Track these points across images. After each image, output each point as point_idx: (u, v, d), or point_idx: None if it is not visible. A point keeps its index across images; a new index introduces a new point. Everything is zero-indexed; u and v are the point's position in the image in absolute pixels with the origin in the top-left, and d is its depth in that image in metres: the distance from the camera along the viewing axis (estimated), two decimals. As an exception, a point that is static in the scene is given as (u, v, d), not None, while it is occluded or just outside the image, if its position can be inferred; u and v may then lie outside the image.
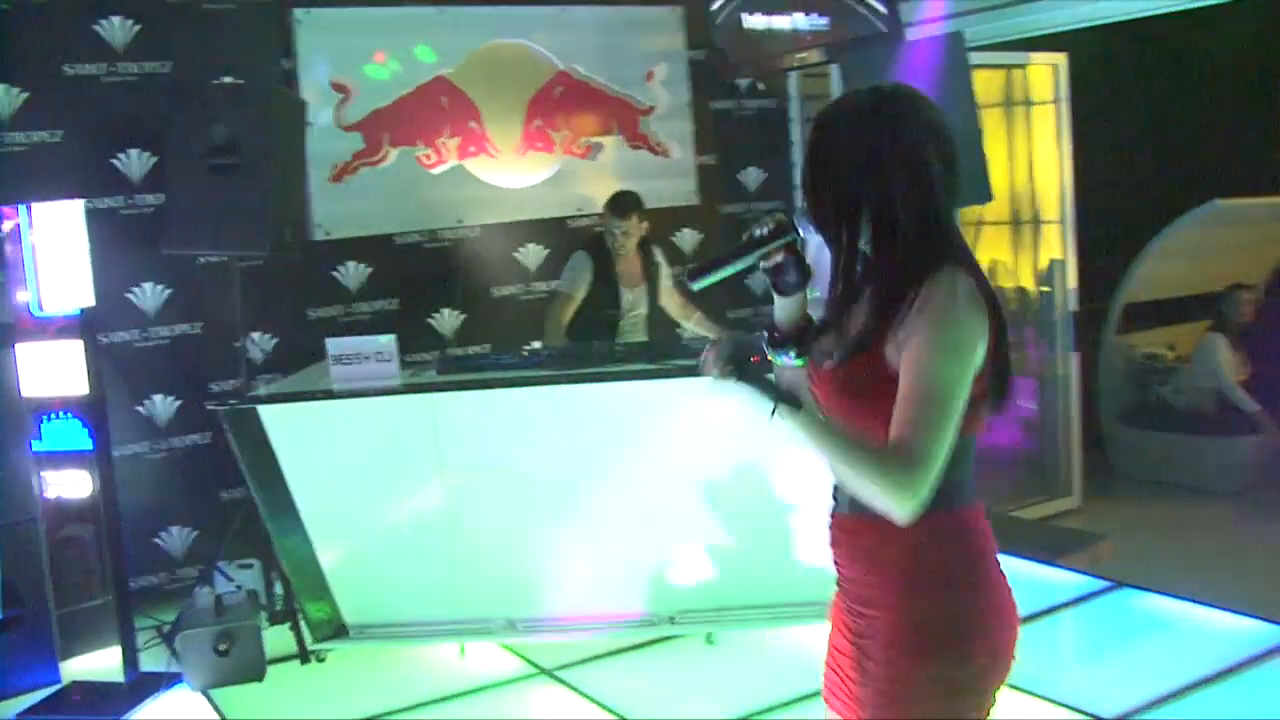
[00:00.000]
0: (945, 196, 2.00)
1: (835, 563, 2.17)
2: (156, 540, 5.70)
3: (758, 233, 2.05)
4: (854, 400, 2.01)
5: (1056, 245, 6.82)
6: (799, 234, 2.05)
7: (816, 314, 2.16)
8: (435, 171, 6.27)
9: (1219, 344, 6.96)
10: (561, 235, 6.63)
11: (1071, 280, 6.59)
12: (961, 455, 1.99)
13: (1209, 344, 7.00)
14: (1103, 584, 5.29)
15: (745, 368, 1.99)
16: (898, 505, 1.88)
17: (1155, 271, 7.17)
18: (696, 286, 2.08)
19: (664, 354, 4.85)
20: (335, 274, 6.09)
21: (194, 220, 4.91)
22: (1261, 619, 4.78)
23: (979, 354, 1.94)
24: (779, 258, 2.05)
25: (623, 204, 5.47)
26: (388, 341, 4.68)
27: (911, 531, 1.96)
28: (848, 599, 2.14)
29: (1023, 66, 6.77)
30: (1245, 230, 7.19)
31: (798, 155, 7.37)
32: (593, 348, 5.00)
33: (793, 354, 2.12)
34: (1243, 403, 6.81)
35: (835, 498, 2.17)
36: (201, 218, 4.87)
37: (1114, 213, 6.86)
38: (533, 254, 6.62)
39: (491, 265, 6.49)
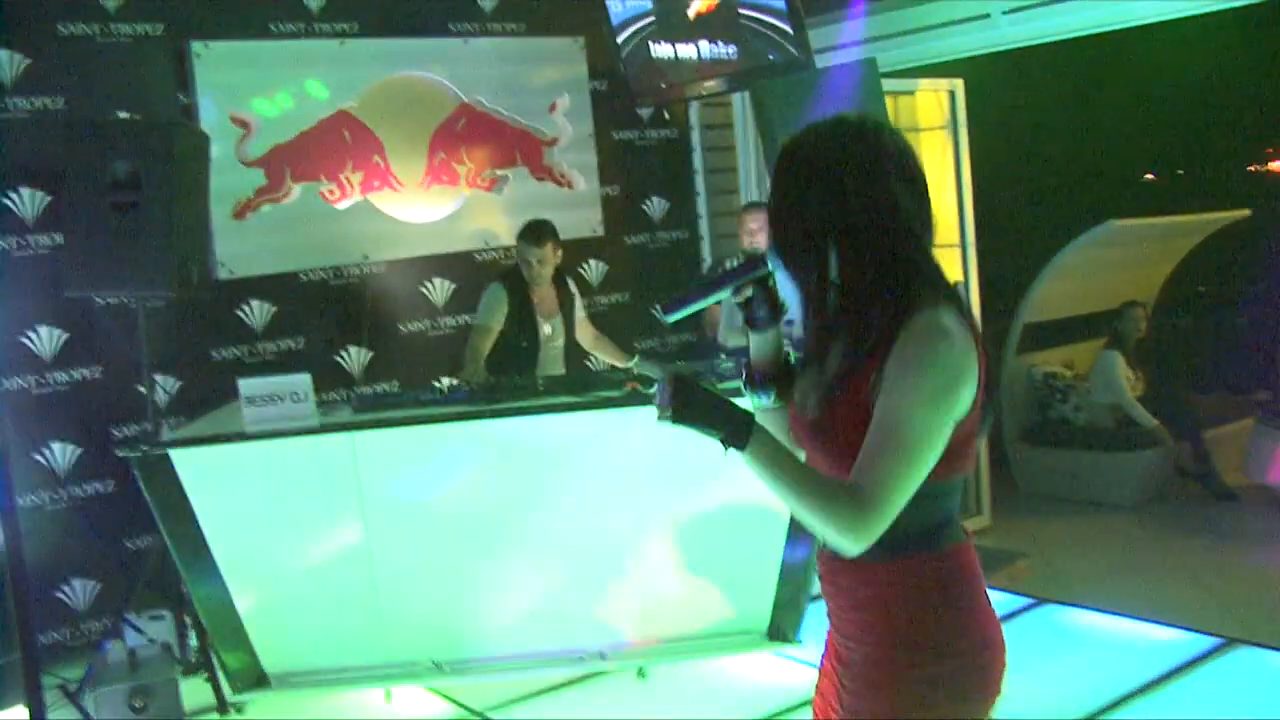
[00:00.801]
0: (916, 227, 1.95)
1: (824, 596, 2.13)
2: (58, 594, 5.46)
3: (729, 265, 2.06)
4: (843, 448, 1.91)
5: (952, 269, 6.92)
6: (770, 268, 2.03)
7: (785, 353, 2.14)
8: (339, 207, 6.16)
9: (1116, 361, 7.13)
10: (468, 269, 6.56)
11: (974, 302, 6.69)
12: (951, 494, 1.98)
13: (1106, 361, 7.17)
14: (1024, 601, 5.36)
15: (688, 407, 1.91)
16: (844, 543, 1.86)
17: (1053, 292, 7.33)
18: (670, 319, 2.09)
19: (586, 386, 4.81)
20: (239, 313, 5.94)
21: (96, 260, 4.72)
22: (1181, 628, 4.90)
23: (963, 398, 1.88)
24: (749, 292, 2.04)
25: (538, 232, 5.43)
26: (302, 380, 4.60)
27: (897, 574, 1.95)
28: (834, 631, 2.11)
29: (912, 93, 6.88)
30: (1138, 249, 7.40)
31: (701, 184, 7.42)
32: (514, 381, 4.95)
33: (771, 395, 2.11)
34: (1141, 418, 6.98)
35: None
36: (104, 258, 4.69)
37: (1011, 235, 7.00)
38: (440, 289, 6.53)
39: (398, 301, 6.39)
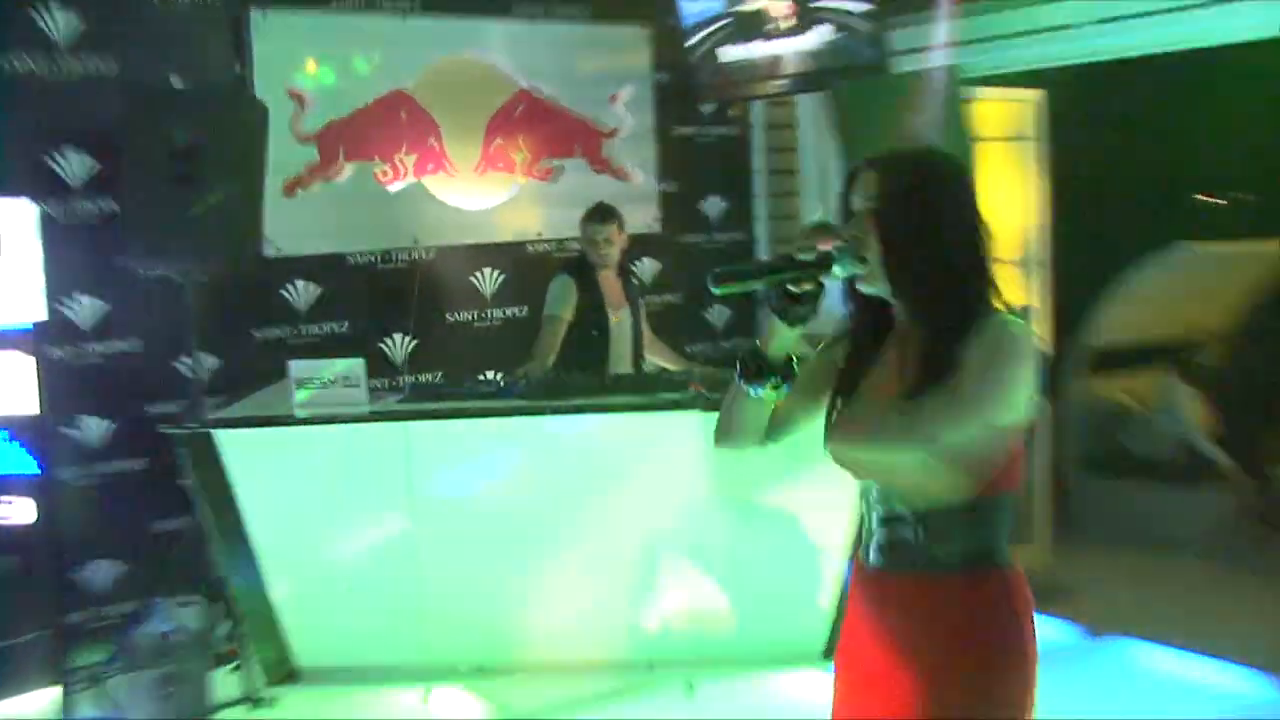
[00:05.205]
0: (990, 246, 2.17)
1: (866, 616, 2.25)
2: (80, 574, 5.47)
3: (800, 257, 2.11)
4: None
5: (1021, 287, 6.90)
6: (836, 272, 2.12)
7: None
8: (392, 189, 6.21)
9: (1184, 392, 7.09)
10: (520, 260, 6.59)
11: (1044, 325, 6.67)
12: (1005, 509, 2.16)
13: (1174, 392, 7.12)
14: (1081, 633, 5.37)
15: None
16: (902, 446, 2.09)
17: (1121, 315, 7.28)
18: (718, 290, 2.14)
19: (649, 386, 4.84)
20: (284, 293, 5.98)
21: (154, 230, 4.75)
22: (1254, 669, 4.89)
23: (1023, 400, 2.05)
24: (808, 287, 2.11)
25: (603, 210, 5.52)
26: (356, 365, 4.65)
27: (958, 587, 2.12)
28: (881, 648, 2.21)
29: (979, 101, 6.85)
30: (1215, 275, 7.35)
31: (760, 186, 7.41)
32: (576, 377, 4.97)
33: (769, 385, 2.21)
34: (1209, 452, 6.94)
35: (869, 551, 2.24)
36: (162, 228, 4.72)
37: (1082, 255, 6.97)
38: (489, 279, 6.57)
39: (446, 289, 6.42)
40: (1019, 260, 6.79)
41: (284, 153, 5.77)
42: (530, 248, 6.67)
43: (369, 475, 4.66)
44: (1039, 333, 6.60)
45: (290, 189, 5.93)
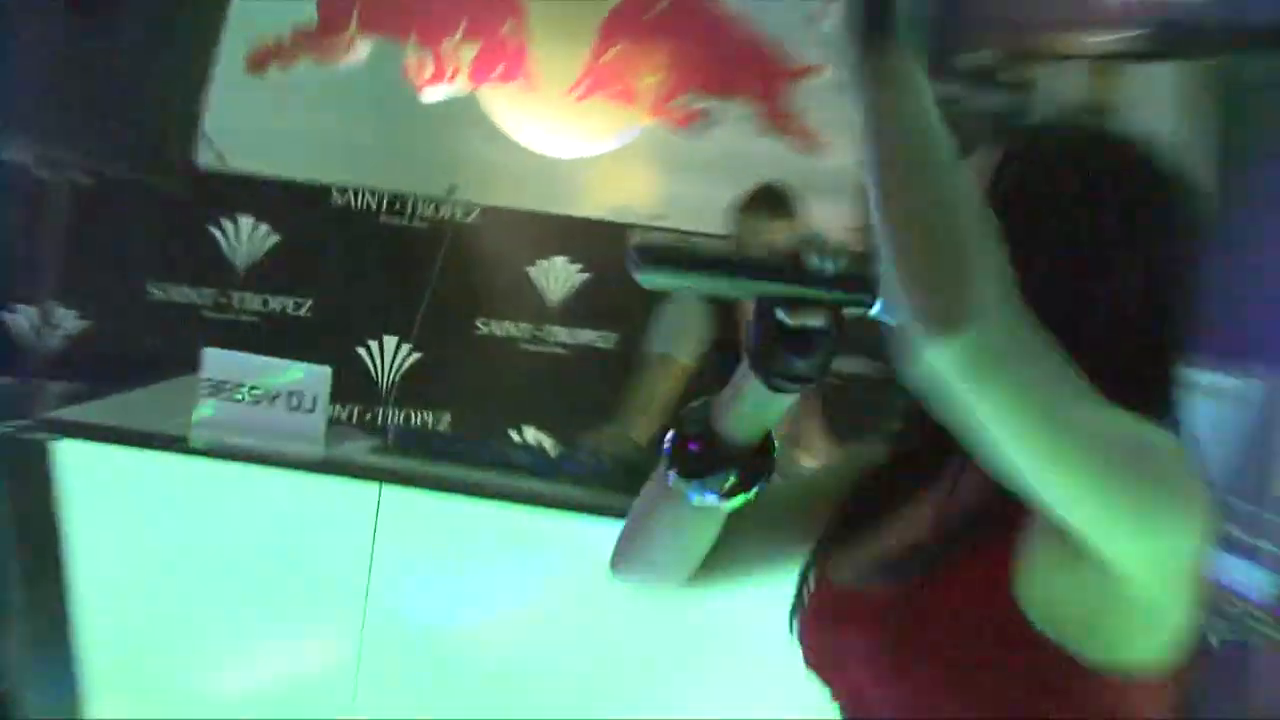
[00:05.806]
0: (1179, 327, 1.91)
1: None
2: None
3: (814, 264, 1.78)
4: (939, 655, 1.80)
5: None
6: (870, 307, 1.80)
7: None
8: (429, 95, 6.24)
9: None
10: (618, 254, 6.36)
11: None
12: None
13: None
14: None
15: None
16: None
17: None
18: (643, 278, 1.82)
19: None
20: (216, 231, 6.01)
21: (23, 94, 4.73)
22: None
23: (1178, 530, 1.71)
24: (815, 322, 1.79)
25: (774, 196, 5.36)
26: (316, 377, 4.61)
27: None
28: None
29: None
30: None
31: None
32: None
33: (722, 485, 1.92)
34: None
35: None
36: (32, 87, 4.70)
37: None
38: (559, 275, 6.54)
39: (486, 278, 6.41)
40: None
41: (258, 3, 5.81)
42: (639, 235, 6.48)
43: (302, 561, 4.53)
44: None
45: (259, 61, 6.00)
